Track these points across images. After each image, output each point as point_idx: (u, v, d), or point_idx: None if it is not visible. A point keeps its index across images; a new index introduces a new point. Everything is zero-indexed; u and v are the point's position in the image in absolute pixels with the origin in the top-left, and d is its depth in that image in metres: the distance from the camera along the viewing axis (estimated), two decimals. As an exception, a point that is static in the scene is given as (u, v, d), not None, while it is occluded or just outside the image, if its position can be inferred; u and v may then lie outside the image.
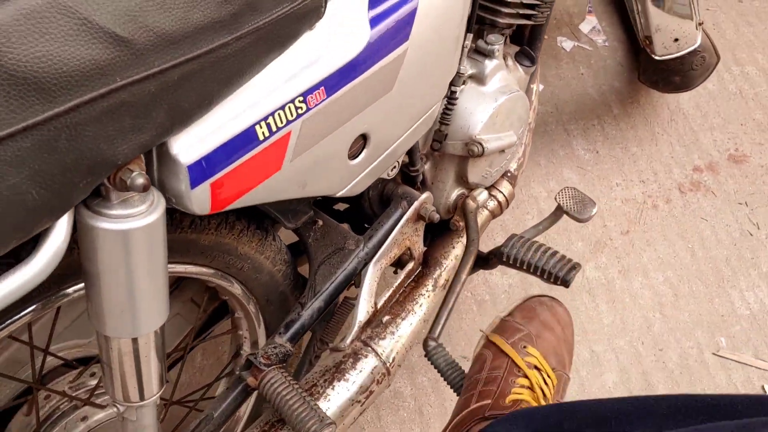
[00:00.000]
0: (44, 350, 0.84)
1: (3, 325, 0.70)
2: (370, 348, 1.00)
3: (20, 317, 0.71)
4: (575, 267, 1.12)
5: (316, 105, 0.71)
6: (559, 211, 1.22)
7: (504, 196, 1.25)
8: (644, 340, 1.56)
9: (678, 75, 1.59)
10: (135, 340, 0.67)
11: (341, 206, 1.21)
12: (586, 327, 1.56)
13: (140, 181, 0.57)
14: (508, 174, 1.26)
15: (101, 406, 0.90)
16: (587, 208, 1.20)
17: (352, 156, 0.83)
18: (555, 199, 1.22)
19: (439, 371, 1.01)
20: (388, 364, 1.01)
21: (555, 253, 1.14)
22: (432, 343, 1.01)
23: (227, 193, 0.67)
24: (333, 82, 0.72)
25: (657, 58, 1.51)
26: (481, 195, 1.16)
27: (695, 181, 1.83)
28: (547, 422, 0.76)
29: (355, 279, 1.02)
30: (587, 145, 1.85)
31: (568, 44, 2.03)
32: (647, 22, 1.45)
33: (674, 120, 1.93)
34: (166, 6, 0.55)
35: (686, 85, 1.62)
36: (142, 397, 0.73)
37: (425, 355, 1.03)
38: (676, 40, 1.47)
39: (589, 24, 2.09)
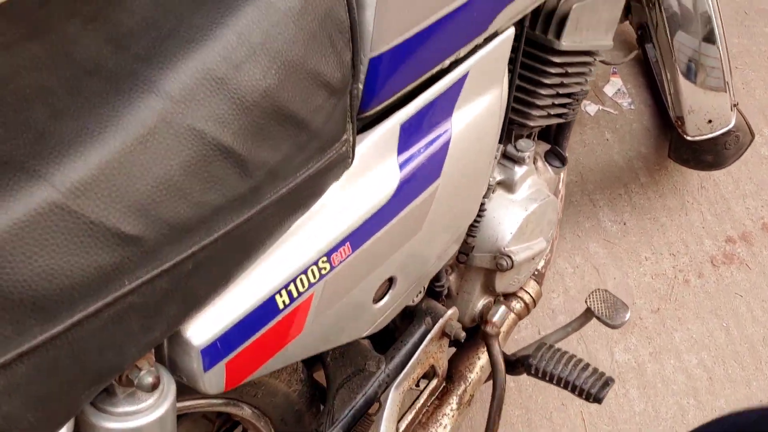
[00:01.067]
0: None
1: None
2: (393, 478, 0.94)
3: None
4: (608, 383, 1.06)
5: (341, 262, 0.66)
6: (589, 314, 1.16)
7: (531, 296, 1.19)
8: (678, 430, 1.48)
9: (710, 154, 1.52)
10: None
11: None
12: (616, 416, 1.49)
13: (149, 380, 0.52)
14: (536, 272, 1.20)
15: None
16: (620, 314, 1.14)
17: (378, 299, 0.77)
18: (585, 302, 1.16)
19: None
20: (413, 495, 0.94)
21: (587, 366, 1.07)
22: None
23: (244, 369, 0.62)
24: (359, 236, 0.67)
25: (689, 138, 1.45)
26: (498, 315, 1.09)
27: (728, 253, 1.75)
28: None
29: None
30: (614, 216, 1.79)
31: (592, 108, 1.98)
32: (679, 101, 1.39)
33: (704, 187, 1.86)
34: (181, 193, 0.50)
35: (719, 164, 1.56)
36: None
37: None
38: (710, 121, 1.41)
39: (613, 86, 2.03)
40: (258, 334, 0.61)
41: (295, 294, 0.62)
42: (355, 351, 0.98)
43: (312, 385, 1.01)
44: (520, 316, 1.19)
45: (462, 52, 0.72)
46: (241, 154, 0.53)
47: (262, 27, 0.55)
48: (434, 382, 1.04)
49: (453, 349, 1.16)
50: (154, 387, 0.52)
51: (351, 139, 0.64)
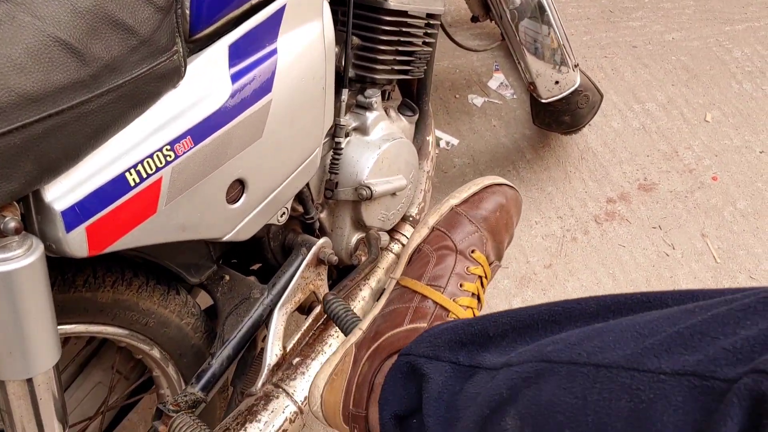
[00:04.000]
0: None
1: None
2: (281, 389, 1.05)
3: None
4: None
5: (185, 153, 0.80)
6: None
7: (407, 238, 1.33)
8: (576, 365, 1.62)
9: (567, 115, 1.71)
10: (30, 382, 0.73)
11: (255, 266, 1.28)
12: (518, 359, 1.61)
13: (12, 224, 0.65)
14: (410, 218, 1.35)
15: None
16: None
17: (232, 201, 0.91)
18: None
19: (335, 319, 1.01)
20: (300, 404, 1.05)
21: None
22: (330, 296, 1.03)
23: (104, 236, 0.74)
24: (199, 132, 0.81)
25: (543, 101, 1.64)
26: (383, 236, 1.24)
27: (610, 211, 1.93)
28: (470, 331, 0.72)
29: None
30: (505, 190, 1.95)
31: (478, 101, 2.18)
32: (528, 70, 1.59)
33: (584, 158, 2.05)
34: (25, 70, 0.64)
35: (577, 123, 1.75)
36: (44, 438, 0.77)
37: (323, 308, 1.05)
38: (557, 82, 1.60)
39: (496, 81, 2.24)
40: (113, 206, 0.74)
41: (144, 174, 0.76)
42: (241, 284, 1.11)
43: (209, 326, 1.13)
44: (398, 257, 1.33)
45: (277, -13, 0.89)
46: (77, 47, 0.68)
47: (90, -45, 0.70)
48: (318, 308, 1.16)
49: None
50: (17, 231, 0.65)
51: (181, 51, 0.79)
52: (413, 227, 1.35)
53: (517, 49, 1.59)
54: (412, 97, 1.41)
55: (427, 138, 1.48)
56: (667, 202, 1.96)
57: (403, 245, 1.33)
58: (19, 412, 0.74)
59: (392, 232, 1.32)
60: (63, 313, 0.88)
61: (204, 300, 1.16)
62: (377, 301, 0.93)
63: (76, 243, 0.72)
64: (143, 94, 0.76)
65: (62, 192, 0.70)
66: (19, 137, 0.64)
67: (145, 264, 0.99)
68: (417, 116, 1.32)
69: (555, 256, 1.82)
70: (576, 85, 1.62)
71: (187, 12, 0.80)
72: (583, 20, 2.50)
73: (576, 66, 1.61)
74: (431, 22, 1.28)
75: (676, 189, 1.99)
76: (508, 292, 1.74)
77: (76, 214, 0.71)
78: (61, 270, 0.87)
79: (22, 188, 0.66)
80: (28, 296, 0.68)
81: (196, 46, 0.84)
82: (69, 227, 0.71)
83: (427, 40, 1.28)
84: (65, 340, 1.03)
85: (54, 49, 0.66)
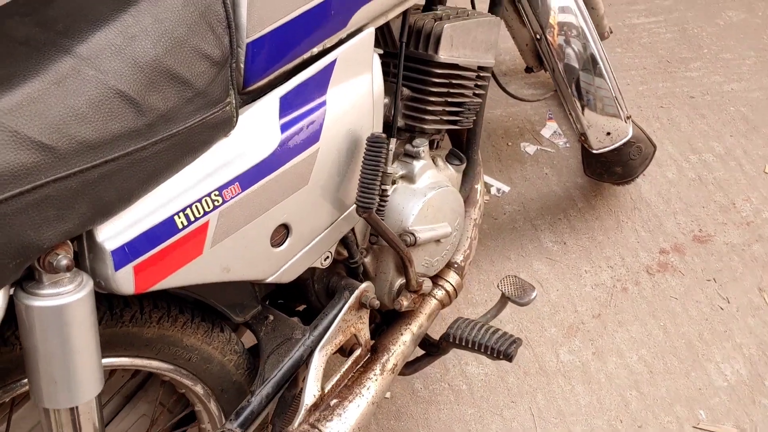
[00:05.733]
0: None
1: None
2: (317, 430, 1.07)
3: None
4: (516, 342, 1.19)
5: (232, 198, 0.84)
6: (503, 299, 1.31)
7: (452, 285, 1.34)
8: (623, 419, 1.58)
9: (618, 166, 1.70)
10: (73, 411, 0.76)
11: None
12: (563, 409, 1.59)
13: (64, 262, 0.69)
14: (455, 265, 1.36)
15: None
16: (527, 293, 1.29)
17: (276, 244, 0.94)
18: (498, 287, 1.31)
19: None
20: (334, 444, 1.06)
21: (497, 330, 1.21)
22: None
23: (150, 276, 0.78)
24: (247, 178, 0.85)
25: (594, 152, 1.63)
26: (425, 282, 1.25)
27: (662, 262, 1.90)
28: None
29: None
30: (555, 238, 1.95)
31: (531, 149, 2.18)
32: (579, 120, 1.59)
33: (638, 208, 2.03)
34: (86, 119, 0.69)
35: (629, 174, 1.74)
36: (85, 467, 0.80)
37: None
38: (608, 133, 1.60)
39: (549, 129, 2.24)
40: (160, 247, 0.78)
41: (192, 218, 0.80)
42: (284, 325, 1.14)
43: (250, 361, 1.15)
44: (442, 303, 1.34)
45: (328, 43, 0.93)
46: (135, 98, 0.73)
47: (152, 13, 0.76)
48: (358, 351, 1.18)
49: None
50: (68, 268, 0.69)
51: (234, 102, 0.84)
52: (458, 274, 1.36)
53: (569, 100, 1.60)
54: (462, 146, 1.43)
55: (476, 186, 1.49)
56: (722, 255, 1.91)
57: (446, 291, 1.34)
58: (64, 441, 0.78)
59: (436, 278, 1.33)
60: (110, 346, 0.92)
61: (248, 338, 1.19)
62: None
63: (124, 281, 0.76)
64: (196, 142, 0.80)
65: (113, 233, 0.75)
66: (76, 181, 0.69)
67: (191, 302, 1.03)
68: (464, 165, 1.33)
69: (604, 306, 1.80)
70: (628, 137, 1.61)
71: (242, 66, 0.85)
72: (639, 70, 2.48)
73: (628, 118, 1.60)
74: (482, 74, 1.31)
75: (733, 241, 1.95)
76: (555, 340, 1.72)
77: (125, 254, 0.75)
78: (110, 305, 0.91)
79: (76, 228, 0.70)
80: (76, 329, 0.72)
81: (249, 97, 0.88)
82: (118, 266, 0.75)
83: (477, 92, 1.30)
84: (111, 372, 1.07)
85: (114, 100, 0.71)
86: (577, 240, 1.94)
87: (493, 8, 1.38)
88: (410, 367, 1.37)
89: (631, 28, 2.68)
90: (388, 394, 1.60)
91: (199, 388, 1.08)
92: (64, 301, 0.71)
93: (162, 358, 1.00)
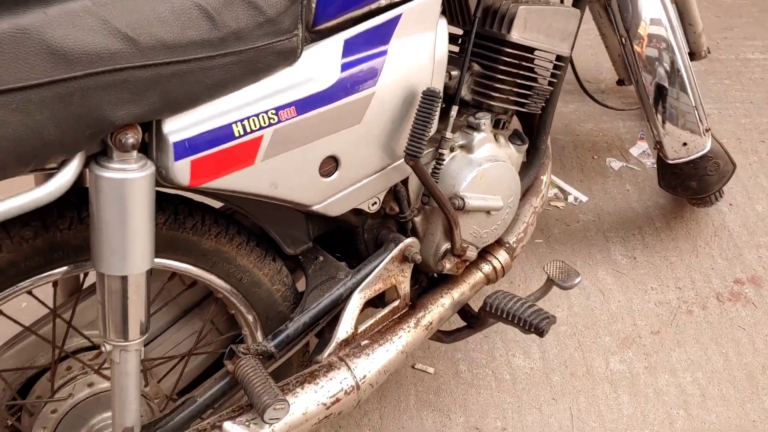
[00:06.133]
0: (68, 323, 1.06)
1: (31, 279, 0.93)
2: (344, 363, 1.14)
3: (47, 275, 0.94)
4: (549, 318, 1.22)
5: (287, 119, 0.93)
6: (548, 283, 1.34)
7: (500, 263, 1.38)
8: (665, 436, 1.55)
9: (694, 180, 1.68)
10: (124, 279, 0.87)
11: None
12: (604, 415, 1.58)
13: (131, 141, 0.81)
14: (506, 245, 1.40)
15: (106, 378, 1.09)
16: (571, 277, 1.31)
17: (325, 175, 1.03)
18: (543, 269, 1.34)
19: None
20: (358, 380, 1.13)
21: (533, 305, 1.24)
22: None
23: (204, 172, 0.89)
24: (303, 105, 0.95)
25: (669, 161, 1.63)
26: (470, 249, 1.30)
27: (735, 292, 1.84)
28: None
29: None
30: (625, 252, 1.93)
31: (616, 164, 2.18)
32: (656, 127, 1.60)
33: (718, 235, 1.98)
34: (167, 23, 0.81)
35: (704, 190, 1.71)
36: (126, 337, 0.91)
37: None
38: (685, 144, 1.59)
39: (639, 148, 2.23)
40: (217, 148, 0.88)
41: (248, 129, 0.90)
42: (331, 265, 1.22)
43: (296, 297, 1.24)
44: (488, 278, 1.38)
45: (395, -2, 1.02)
46: (211, 13, 0.84)
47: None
48: (396, 303, 1.24)
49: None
50: (134, 147, 0.81)
51: (300, 36, 0.94)
52: (508, 254, 1.40)
53: (648, 109, 1.61)
54: (532, 133, 1.47)
55: (541, 177, 1.53)
56: (803, 295, 1.83)
57: (494, 267, 1.38)
58: (111, 306, 0.89)
59: (484, 252, 1.38)
60: (171, 248, 1.04)
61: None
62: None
63: (181, 172, 0.87)
64: (260, 63, 0.91)
65: (178, 128, 0.86)
66: (150, 73, 0.80)
67: (249, 227, 1.13)
68: (526, 146, 1.38)
69: (665, 324, 1.76)
70: (705, 150, 1.60)
71: (313, 6, 0.95)
72: (745, 103, 2.42)
73: (707, 131, 1.59)
74: (556, 63, 1.35)
75: (817, 283, 1.86)
76: (608, 348, 1.71)
77: (185, 148, 0.86)
78: (176, 210, 1.02)
79: (146, 114, 0.82)
80: (135, 205, 0.84)
81: (317, 36, 0.98)
82: (177, 157, 0.86)
83: (549, 79, 1.34)
84: (171, 276, 1.19)
85: (193, 11, 0.82)
86: (648, 257, 1.91)
87: (577, 3, 1.42)
88: (449, 335, 1.42)
89: (744, 62, 2.61)
90: (431, 370, 1.65)
91: (249, 315, 1.17)
92: (128, 176, 0.82)
93: (216, 273, 1.10)
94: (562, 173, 2.13)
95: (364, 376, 1.14)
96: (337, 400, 1.11)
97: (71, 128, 0.76)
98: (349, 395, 1.12)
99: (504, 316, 1.25)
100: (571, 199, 2.06)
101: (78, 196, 0.96)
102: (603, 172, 2.16)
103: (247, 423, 1.02)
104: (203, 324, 1.24)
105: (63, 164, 0.80)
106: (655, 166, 2.15)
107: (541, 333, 1.22)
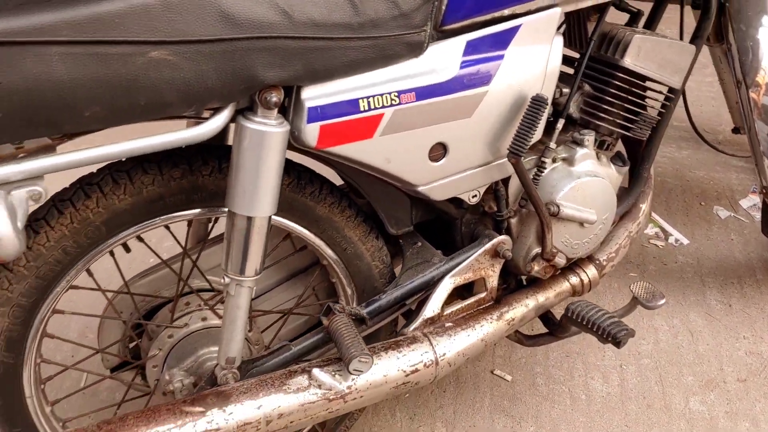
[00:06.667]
0: (194, 262, 1.22)
1: (171, 214, 1.08)
2: (427, 339, 1.23)
3: (185, 213, 1.10)
4: (628, 331, 1.27)
5: (407, 103, 1.06)
6: (633, 301, 1.39)
7: (588, 277, 1.44)
8: (737, 480, 1.53)
9: (799, 229, 1.67)
10: (250, 220, 1.01)
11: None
12: (676, 450, 1.58)
13: (275, 99, 0.95)
14: (597, 261, 1.46)
15: (218, 316, 1.24)
16: (656, 299, 1.35)
17: (434, 159, 1.14)
18: (630, 288, 1.39)
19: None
20: (438, 356, 1.22)
21: (613, 317, 1.30)
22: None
23: (330, 138, 1.02)
24: (423, 92, 1.07)
25: (775, 208, 1.63)
26: (559, 256, 1.37)
27: (834, 354, 1.79)
28: None
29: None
30: (721, 298, 1.92)
31: (723, 213, 2.17)
32: (764, 172, 1.61)
33: (823, 297, 1.93)
34: (318, 5, 0.95)
35: (809, 240, 1.69)
36: (242, 273, 1.05)
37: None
38: (793, 190, 1.59)
39: (750, 201, 2.21)
40: (343, 119, 1.02)
41: (373, 105, 1.03)
42: (427, 250, 1.33)
43: (392, 277, 1.35)
44: (574, 290, 1.44)
45: (518, 9, 1.13)
46: (356, 2, 0.98)
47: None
48: (482, 294, 1.33)
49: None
50: (276, 105, 0.95)
51: (428, 32, 1.06)
52: (596, 270, 1.45)
53: (758, 154, 1.62)
54: (635, 161, 1.53)
55: (640, 205, 1.58)
56: None
57: (581, 280, 1.44)
58: (235, 243, 1.03)
59: (574, 264, 1.44)
60: (289, 210, 1.17)
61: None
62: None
63: (311, 134, 1.01)
64: (390, 51, 1.04)
65: (313, 95, 1.00)
66: (298, 44, 0.94)
67: (359, 205, 1.25)
68: (626, 168, 1.44)
69: (754, 374, 1.74)
70: (814, 200, 1.59)
71: (443, 8, 1.07)
72: None
73: (817, 180, 1.59)
74: (667, 95, 1.41)
75: None
76: (689, 388, 1.71)
77: (317, 113, 1.00)
78: (299, 175, 1.17)
79: (289, 79, 0.96)
80: (270, 156, 0.98)
81: (442, 35, 1.10)
82: (310, 120, 1.00)
83: (658, 109, 1.41)
84: (285, 236, 1.33)
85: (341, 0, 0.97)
86: (745, 306, 1.90)
87: (694, 40, 1.48)
88: (530, 339, 1.48)
89: None
90: (509, 377, 1.71)
91: (348, 287, 1.29)
92: (268, 129, 0.96)
93: (325, 240, 1.23)
94: (667, 214, 2.15)
95: (444, 354, 1.23)
96: (416, 370, 1.20)
97: (229, 81, 0.91)
98: (428, 368, 1.21)
99: (585, 323, 1.31)
100: (671, 240, 2.07)
101: (220, 150, 1.12)
102: (708, 219, 2.15)
103: (333, 372, 1.13)
104: (305, 288, 1.37)
105: (216, 112, 0.95)
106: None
107: (618, 344, 1.27)
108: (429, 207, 1.30)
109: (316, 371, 1.13)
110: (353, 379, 1.14)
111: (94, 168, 1.08)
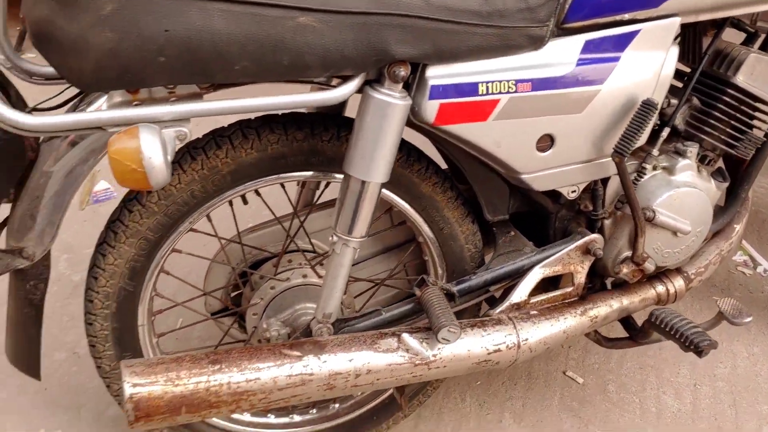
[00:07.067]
0: (302, 223, 1.31)
1: (288, 174, 1.18)
2: (512, 323, 1.28)
3: (300, 174, 1.19)
4: (711, 343, 1.28)
5: (523, 92, 1.11)
6: (719, 315, 1.39)
7: (674, 288, 1.45)
8: None
9: None
10: (364, 184, 1.09)
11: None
12: (743, 475, 1.57)
13: (402, 73, 1.03)
14: (685, 274, 1.47)
15: (319, 275, 1.32)
16: (742, 315, 1.36)
17: (540, 150, 1.19)
18: (717, 302, 1.40)
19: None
20: (520, 340, 1.26)
21: (697, 327, 1.31)
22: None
23: (447, 116, 1.09)
24: (538, 84, 1.12)
25: None
26: (649, 261, 1.39)
27: None
28: None
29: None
30: (806, 333, 1.89)
31: (818, 251, 2.12)
32: None
33: None
34: None
35: None
36: (350, 233, 1.13)
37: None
38: None
39: None
40: (462, 99, 1.08)
41: (491, 90, 1.09)
42: (520, 240, 1.38)
43: (482, 262, 1.40)
44: (659, 298, 1.46)
45: (638, 15, 1.17)
46: (486, -6, 1.05)
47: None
48: (569, 289, 1.36)
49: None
50: (402, 79, 1.02)
51: (549, 27, 1.12)
52: (684, 282, 1.47)
53: None
54: (735, 180, 1.53)
55: (735, 225, 1.58)
56: None
57: (667, 289, 1.45)
58: (347, 204, 1.11)
59: (662, 274, 1.46)
60: (397, 184, 1.24)
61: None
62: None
63: (430, 111, 1.08)
64: (512, 41, 1.10)
65: (437, 74, 1.07)
66: (431, 25, 1.02)
67: (461, 190, 1.31)
68: (726, 184, 1.45)
69: (833, 412, 1.71)
70: None
71: (567, 6, 1.13)
72: None
73: None
74: (777, 117, 1.42)
75: None
76: (763, 416, 1.69)
77: (438, 92, 1.07)
78: (408, 152, 1.24)
79: (417, 56, 1.03)
80: (390, 127, 1.05)
81: (563, 32, 1.15)
82: (431, 97, 1.07)
83: (765, 131, 1.41)
84: (388, 209, 1.40)
85: (470, -11, 1.04)
86: (831, 345, 1.86)
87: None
88: (609, 341, 1.51)
89: None
90: (581, 380, 1.73)
91: (439, 263, 1.36)
92: (392, 101, 1.04)
93: (424, 217, 1.30)
94: (758, 243, 2.12)
95: (526, 339, 1.27)
96: (498, 350, 1.25)
97: (363, 51, 0.99)
98: (510, 350, 1.26)
99: (668, 329, 1.33)
100: (760, 269, 2.05)
101: (340, 120, 1.20)
102: (802, 255, 2.12)
103: (420, 339, 1.20)
104: (398, 263, 1.44)
105: (347, 80, 1.03)
106: None
107: (700, 353, 1.29)
108: (526, 198, 1.35)
109: (405, 336, 1.19)
110: (439, 348, 1.20)
111: (225, 122, 1.18)
